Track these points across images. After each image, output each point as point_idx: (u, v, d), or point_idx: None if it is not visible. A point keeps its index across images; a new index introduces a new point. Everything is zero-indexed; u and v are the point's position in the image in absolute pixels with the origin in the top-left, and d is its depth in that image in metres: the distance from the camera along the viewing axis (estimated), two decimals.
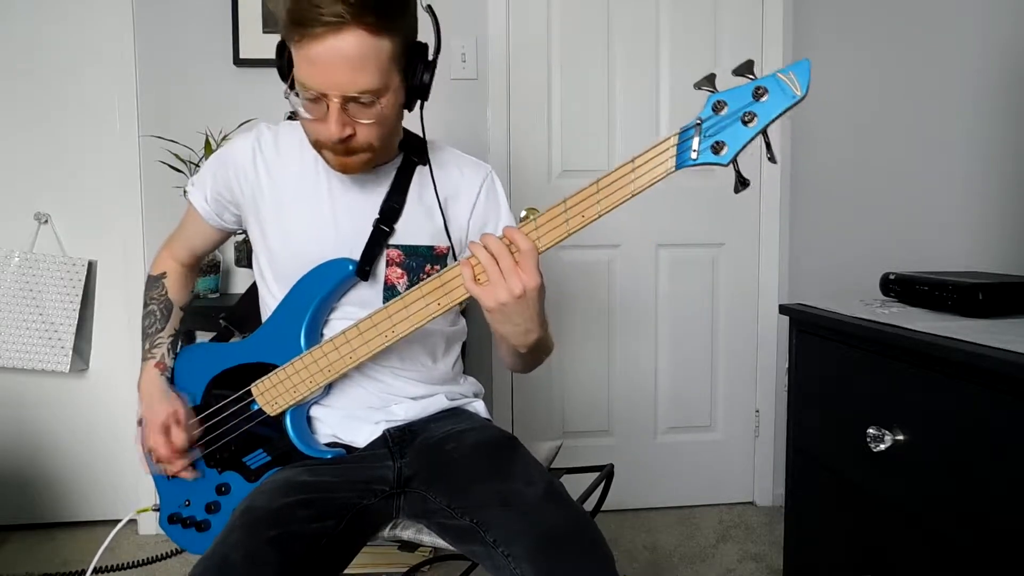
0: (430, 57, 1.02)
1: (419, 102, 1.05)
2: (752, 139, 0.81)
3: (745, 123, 0.80)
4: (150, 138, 2.14)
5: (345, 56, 0.90)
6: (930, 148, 1.70)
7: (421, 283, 0.94)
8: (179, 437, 1.08)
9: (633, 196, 0.85)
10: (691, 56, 2.30)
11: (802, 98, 0.78)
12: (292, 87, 0.97)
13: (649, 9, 2.29)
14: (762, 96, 0.79)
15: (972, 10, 1.56)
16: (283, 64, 1.00)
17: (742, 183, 0.83)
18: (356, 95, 0.93)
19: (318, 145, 1.01)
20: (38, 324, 2.15)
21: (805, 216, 2.29)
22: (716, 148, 0.81)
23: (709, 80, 0.81)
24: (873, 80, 1.91)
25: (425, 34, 1.03)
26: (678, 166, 0.83)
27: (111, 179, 2.19)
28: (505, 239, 0.87)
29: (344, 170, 1.03)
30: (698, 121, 0.81)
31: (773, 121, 0.80)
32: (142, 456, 1.16)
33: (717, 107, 0.81)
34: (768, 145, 0.81)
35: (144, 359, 1.17)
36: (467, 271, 0.89)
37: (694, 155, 0.82)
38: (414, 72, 1.01)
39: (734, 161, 0.81)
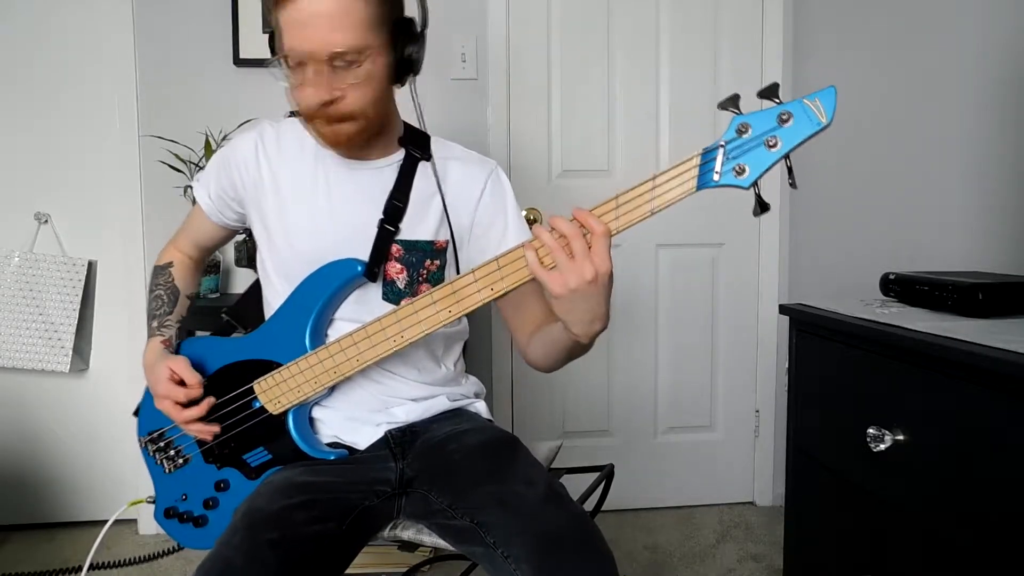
0: (417, 31, 1.05)
1: (410, 77, 1.06)
2: (774, 164, 0.79)
3: (769, 147, 0.78)
4: (150, 138, 2.14)
5: (321, 14, 0.93)
6: (930, 148, 1.70)
7: (432, 290, 0.93)
8: (191, 378, 1.04)
9: (652, 215, 0.83)
10: (691, 56, 2.30)
11: (827, 126, 0.76)
12: (275, 59, 0.99)
13: (649, 9, 2.29)
14: (787, 121, 0.78)
15: (972, 10, 1.56)
16: (273, 41, 1.01)
17: (762, 207, 0.81)
18: (339, 52, 0.94)
19: (308, 117, 1.01)
20: (38, 324, 2.15)
21: (805, 216, 2.29)
22: (738, 171, 0.80)
23: (734, 101, 0.79)
24: (873, 80, 1.91)
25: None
26: (699, 187, 0.81)
27: (111, 179, 2.19)
28: (576, 221, 0.83)
29: (336, 141, 1.03)
30: (722, 143, 0.80)
31: (796, 147, 0.78)
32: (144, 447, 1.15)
33: (741, 129, 0.79)
34: (790, 170, 0.80)
35: (151, 336, 1.15)
36: (531, 255, 0.85)
37: (716, 176, 0.80)
38: (400, 42, 1.02)
39: (755, 184, 0.80)
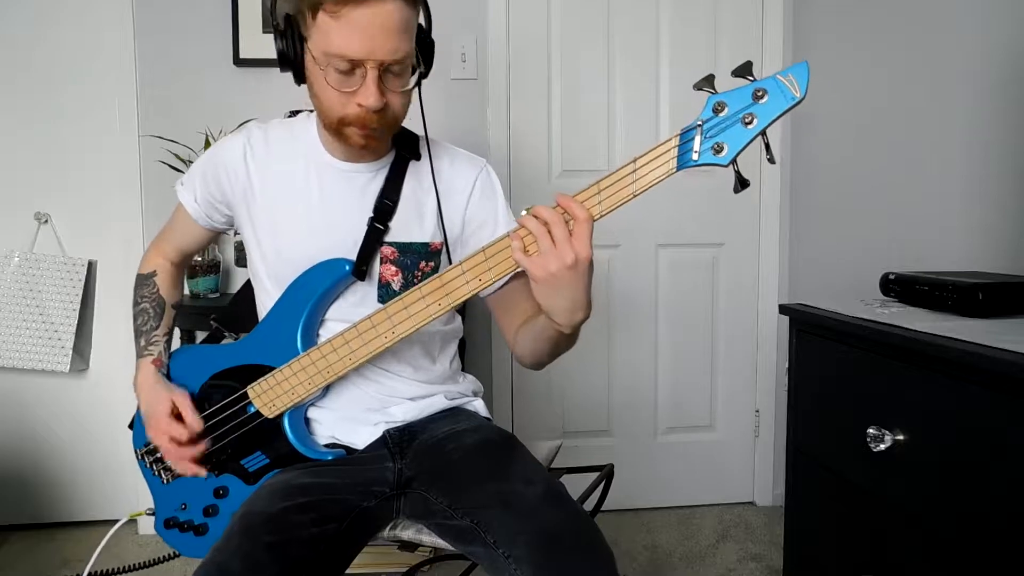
0: (429, 39, 1.05)
1: (419, 81, 1.05)
2: (752, 140, 0.81)
3: (745, 124, 0.80)
4: (150, 138, 2.14)
5: (388, 23, 0.92)
6: (930, 148, 1.70)
7: (420, 284, 0.94)
8: (193, 419, 1.05)
9: (635, 197, 0.85)
10: (691, 56, 2.30)
11: (801, 100, 0.79)
12: (292, 58, 0.98)
13: (649, 9, 2.29)
14: (762, 98, 0.79)
15: (972, 10, 1.56)
16: (292, 40, 0.98)
17: (742, 183, 0.83)
18: (393, 63, 0.94)
19: (343, 122, 0.99)
20: (38, 324, 2.15)
21: (805, 216, 2.29)
22: (717, 149, 0.81)
23: (708, 81, 0.81)
24: (873, 79, 1.91)
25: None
26: (679, 167, 0.83)
27: (111, 179, 2.19)
28: (559, 208, 0.85)
29: (365, 148, 1.02)
30: (699, 122, 0.82)
31: (773, 122, 0.80)
32: (155, 457, 1.15)
33: (717, 108, 0.81)
34: (767, 146, 0.81)
35: (140, 356, 1.16)
36: (516, 242, 0.86)
37: (695, 156, 0.82)
38: (421, 51, 1.02)
39: (734, 162, 0.82)
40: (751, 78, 0.79)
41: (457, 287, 0.92)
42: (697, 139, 0.82)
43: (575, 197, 0.85)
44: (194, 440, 1.06)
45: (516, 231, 0.87)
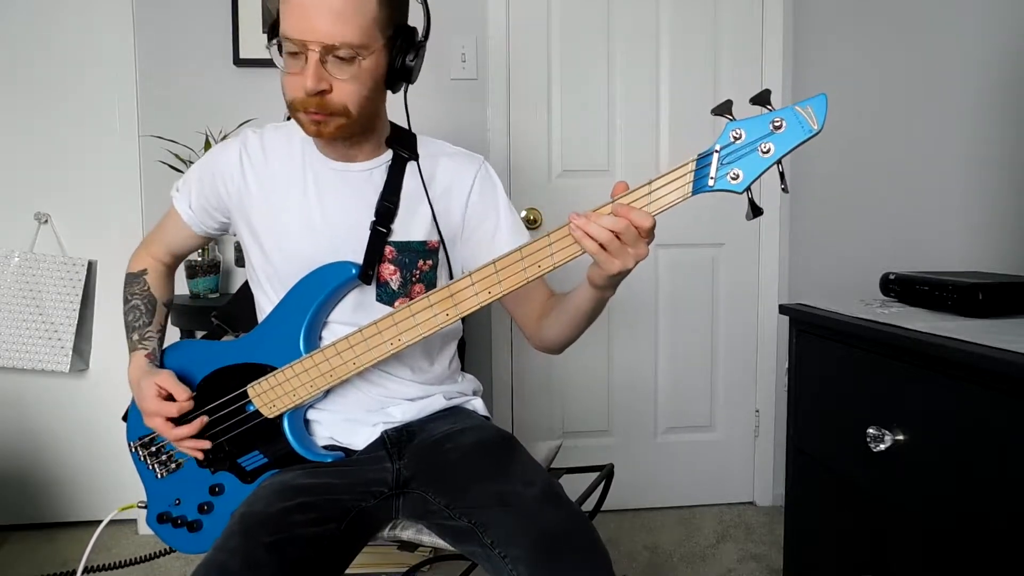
0: (418, 40, 1.05)
1: (404, 85, 1.07)
2: (767, 169, 0.81)
3: (762, 153, 0.81)
4: (150, 138, 2.14)
5: (333, 5, 0.93)
6: (930, 148, 1.70)
7: (429, 293, 0.94)
8: (179, 392, 1.04)
9: None
10: (691, 56, 2.30)
11: (818, 132, 0.79)
12: (274, 41, 0.99)
13: (649, 9, 2.28)
14: (779, 128, 0.80)
15: (972, 10, 1.56)
16: (273, 23, 1.00)
17: (755, 211, 0.83)
18: (336, 46, 0.94)
19: (293, 107, 1.00)
20: (38, 324, 2.15)
21: (805, 216, 2.29)
22: (733, 176, 0.82)
23: (727, 107, 0.81)
24: (873, 80, 1.91)
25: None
26: (695, 191, 0.83)
27: (111, 179, 2.19)
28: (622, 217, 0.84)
29: (318, 134, 1.02)
30: (716, 148, 0.82)
31: (788, 153, 0.80)
32: (146, 453, 1.15)
33: (735, 136, 0.81)
34: (782, 175, 0.82)
35: (133, 350, 1.15)
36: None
37: (711, 182, 0.83)
38: (400, 49, 1.02)
39: (748, 189, 0.82)
40: (769, 107, 0.80)
41: (466, 298, 0.92)
42: (714, 165, 0.82)
43: (590, 214, 0.85)
44: (187, 418, 1.05)
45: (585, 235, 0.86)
